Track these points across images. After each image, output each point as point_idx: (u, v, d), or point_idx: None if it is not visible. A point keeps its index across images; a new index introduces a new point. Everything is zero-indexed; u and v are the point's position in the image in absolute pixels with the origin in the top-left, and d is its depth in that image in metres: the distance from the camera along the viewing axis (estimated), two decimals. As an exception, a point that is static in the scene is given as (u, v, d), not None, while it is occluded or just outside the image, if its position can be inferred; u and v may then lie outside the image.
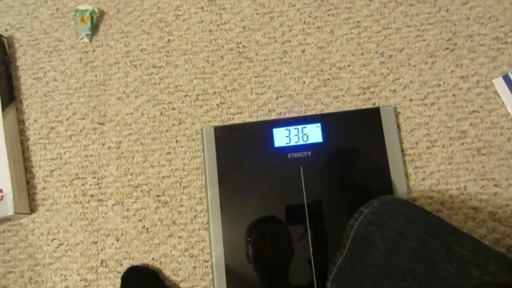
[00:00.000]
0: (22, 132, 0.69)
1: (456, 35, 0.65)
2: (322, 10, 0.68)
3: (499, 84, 0.62)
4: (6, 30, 0.73)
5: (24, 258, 0.64)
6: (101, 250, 0.63)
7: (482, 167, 0.60)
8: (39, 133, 0.68)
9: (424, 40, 0.65)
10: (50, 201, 0.66)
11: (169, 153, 0.65)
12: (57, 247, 0.64)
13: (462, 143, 0.61)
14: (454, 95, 0.63)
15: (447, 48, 0.65)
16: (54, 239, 0.65)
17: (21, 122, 0.69)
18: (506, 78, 0.62)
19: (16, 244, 0.65)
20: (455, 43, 0.65)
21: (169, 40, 0.70)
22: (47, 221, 0.65)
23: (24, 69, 0.71)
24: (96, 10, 0.70)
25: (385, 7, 0.67)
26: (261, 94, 0.66)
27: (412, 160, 0.62)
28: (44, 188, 0.66)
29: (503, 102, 0.62)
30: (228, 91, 0.67)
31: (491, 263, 0.37)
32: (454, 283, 0.37)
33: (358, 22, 0.67)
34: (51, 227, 0.65)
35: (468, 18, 0.65)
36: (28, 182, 0.67)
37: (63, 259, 0.64)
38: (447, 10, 0.66)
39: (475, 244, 0.41)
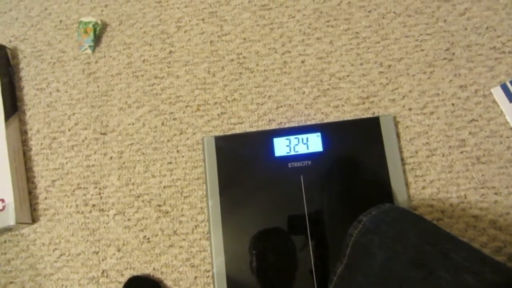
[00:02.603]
0: (24, 143, 0.69)
1: (454, 45, 0.66)
2: (321, 21, 0.69)
3: (497, 93, 0.63)
4: (10, 41, 0.74)
5: (25, 268, 0.65)
6: (102, 260, 0.63)
7: (482, 175, 0.61)
8: (41, 144, 0.69)
9: (422, 50, 0.66)
10: (51, 211, 0.66)
11: (170, 163, 0.66)
12: (58, 257, 0.64)
13: (462, 152, 0.62)
14: (453, 104, 0.64)
15: (445, 58, 0.65)
16: (56, 249, 0.65)
17: (23, 132, 0.70)
18: (504, 87, 0.62)
19: (17, 254, 0.65)
20: (453, 53, 0.65)
21: (170, 51, 0.70)
22: (48, 231, 0.65)
23: (27, 80, 0.72)
24: (99, 22, 0.71)
25: (383, 18, 0.68)
26: (262, 104, 0.67)
27: (412, 169, 0.62)
28: (45, 198, 0.67)
29: (501, 111, 0.62)
30: (228, 101, 0.67)
31: (486, 270, 0.37)
32: None
33: (357, 33, 0.68)
34: (53, 237, 0.65)
35: (466, 29, 0.66)
36: (30, 192, 0.67)
37: (64, 269, 0.64)
38: (445, 20, 0.67)
39: (470, 251, 0.41)
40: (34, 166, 0.68)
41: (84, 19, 0.71)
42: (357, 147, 0.62)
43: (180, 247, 0.63)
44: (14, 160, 0.65)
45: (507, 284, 0.36)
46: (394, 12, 0.68)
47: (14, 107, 0.69)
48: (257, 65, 0.68)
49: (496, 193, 0.60)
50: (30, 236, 0.66)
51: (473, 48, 0.65)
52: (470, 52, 0.65)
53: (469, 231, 0.59)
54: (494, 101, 0.63)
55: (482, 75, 0.64)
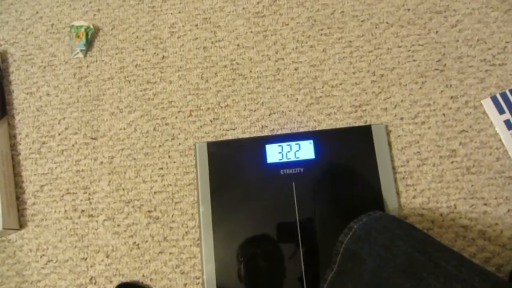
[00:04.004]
0: (13, 147, 0.68)
1: (445, 56, 0.66)
2: (315, 30, 0.69)
3: (488, 105, 0.63)
4: (0, 45, 0.73)
5: (11, 275, 0.63)
6: (91, 266, 0.63)
7: (472, 186, 0.61)
8: (30, 148, 0.68)
9: (414, 60, 0.67)
10: (39, 217, 0.65)
11: (161, 168, 0.65)
12: (46, 264, 0.63)
13: (452, 162, 0.62)
14: (444, 114, 0.64)
15: (436, 69, 0.66)
16: (43, 255, 0.64)
17: (12, 136, 0.69)
18: (494, 99, 0.63)
19: (3, 260, 0.64)
20: (445, 64, 0.66)
21: (163, 57, 0.70)
22: (36, 237, 0.64)
23: (17, 84, 0.71)
24: (91, 27, 0.71)
25: (376, 27, 0.69)
26: (254, 111, 0.67)
27: (403, 178, 0.62)
28: (34, 204, 0.66)
29: (491, 123, 0.63)
30: (221, 107, 0.67)
31: (475, 278, 0.38)
32: None
33: (350, 41, 0.68)
34: (40, 243, 0.64)
35: (457, 40, 0.67)
36: (17, 198, 0.66)
37: (52, 276, 0.63)
38: (437, 32, 0.68)
39: (460, 259, 0.41)
40: (22, 171, 0.67)
41: (76, 23, 0.71)
42: (349, 155, 0.62)
43: (170, 253, 0.62)
44: (2, 165, 0.64)
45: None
46: (387, 23, 0.69)
47: (3, 111, 0.68)
48: (251, 71, 0.68)
49: (485, 204, 0.60)
50: (17, 242, 0.64)
51: (464, 60, 0.66)
52: (461, 63, 0.66)
53: (458, 241, 0.59)
54: (484, 113, 0.64)
55: (473, 86, 0.65)
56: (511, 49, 0.66)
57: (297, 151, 0.63)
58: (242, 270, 0.59)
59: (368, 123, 0.65)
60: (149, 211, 0.64)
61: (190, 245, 0.62)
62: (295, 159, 0.62)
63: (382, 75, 0.66)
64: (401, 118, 0.65)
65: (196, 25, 0.71)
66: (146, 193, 0.65)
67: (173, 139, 0.66)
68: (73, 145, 0.67)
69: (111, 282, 0.62)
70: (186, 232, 0.63)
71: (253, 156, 0.63)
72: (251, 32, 0.70)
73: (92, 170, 0.66)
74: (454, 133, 0.63)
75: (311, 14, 0.70)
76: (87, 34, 0.70)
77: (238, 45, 0.70)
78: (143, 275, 0.62)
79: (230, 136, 0.66)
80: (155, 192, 0.65)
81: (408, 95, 0.65)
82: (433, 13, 0.68)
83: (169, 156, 0.66)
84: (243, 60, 0.69)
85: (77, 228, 0.64)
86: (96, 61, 0.71)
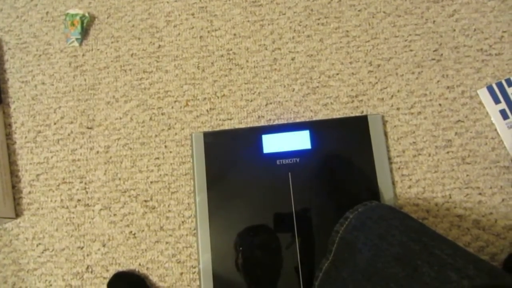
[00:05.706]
0: (8, 136, 0.68)
1: (442, 46, 0.66)
2: (312, 19, 0.69)
3: (484, 95, 0.63)
4: (-5, 32, 0.72)
5: (7, 263, 0.63)
6: (87, 255, 0.63)
7: (467, 175, 0.61)
8: (26, 137, 0.68)
9: (411, 50, 0.67)
10: (35, 206, 0.65)
11: (157, 158, 0.65)
12: (42, 253, 0.63)
13: (448, 152, 0.62)
14: (440, 104, 0.64)
15: (433, 59, 0.66)
16: (39, 244, 0.64)
17: (8, 125, 0.68)
18: (490, 89, 0.63)
19: (-1, 249, 0.64)
20: (441, 54, 0.66)
21: (159, 46, 0.70)
22: (32, 226, 0.64)
23: (12, 72, 0.70)
24: (87, 15, 0.70)
25: (373, 17, 0.68)
26: (251, 101, 0.67)
27: (399, 168, 0.62)
28: (30, 193, 0.66)
29: (487, 113, 0.63)
30: (218, 97, 0.67)
31: (469, 267, 0.38)
32: (434, 287, 0.37)
33: (347, 31, 0.68)
34: (36, 232, 0.64)
35: (454, 30, 0.67)
36: (13, 186, 0.66)
37: (48, 264, 0.63)
38: (434, 21, 0.67)
39: (454, 248, 0.41)
40: (18, 159, 0.67)
41: (71, 11, 0.70)
42: (345, 145, 0.62)
43: (167, 243, 0.62)
44: (-3, 153, 0.64)
45: (490, 281, 0.37)
46: (384, 12, 0.68)
47: (-2, 99, 0.68)
48: (247, 61, 0.68)
49: (480, 194, 0.61)
50: (13, 231, 0.64)
51: (460, 50, 0.66)
52: (458, 53, 0.66)
53: (453, 230, 0.60)
54: (480, 103, 0.64)
55: (469, 76, 0.65)
56: (507, 39, 0.66)
57: (294, 141, 0.63)
58: (238, 259, 0.59)
59: (364, 113, 0.65)
60: (145, 201, 0.64)
61: (187, 235, 0.62)
62: (291, 150, 0.62)
63: (378, 65, 0.66)
64: (398, 108, 0.65)
65: (193, 14, 0.71)
66: (142, 183, 0.65)
67: (169, 129, 0.66)
68: (68, 134, 0.67)
69: (107, 271, 0.62)
70: (183, 222, 0.63)
71: (249, 146, 0.63)
72: (248, 21, 0.70)
73: (88, 159, 0.66)
74: (450, 123, 0.63)
75: (308, 4, 0.69)
76: (82, 23, 0.69)
77: (234, 34, 0.69)
78: (140, 264, 0.62)
79: (227, 126, 0.66)
80: (151, 182, 0.64)
81: (405, 85, 0.65)
82: (430, 3, 0.68)
83: (165, 146, 0.66)
84: (240, 49, 0.69)
85: (73, 217, 0.64)
86: (92, 50, 0.70)
